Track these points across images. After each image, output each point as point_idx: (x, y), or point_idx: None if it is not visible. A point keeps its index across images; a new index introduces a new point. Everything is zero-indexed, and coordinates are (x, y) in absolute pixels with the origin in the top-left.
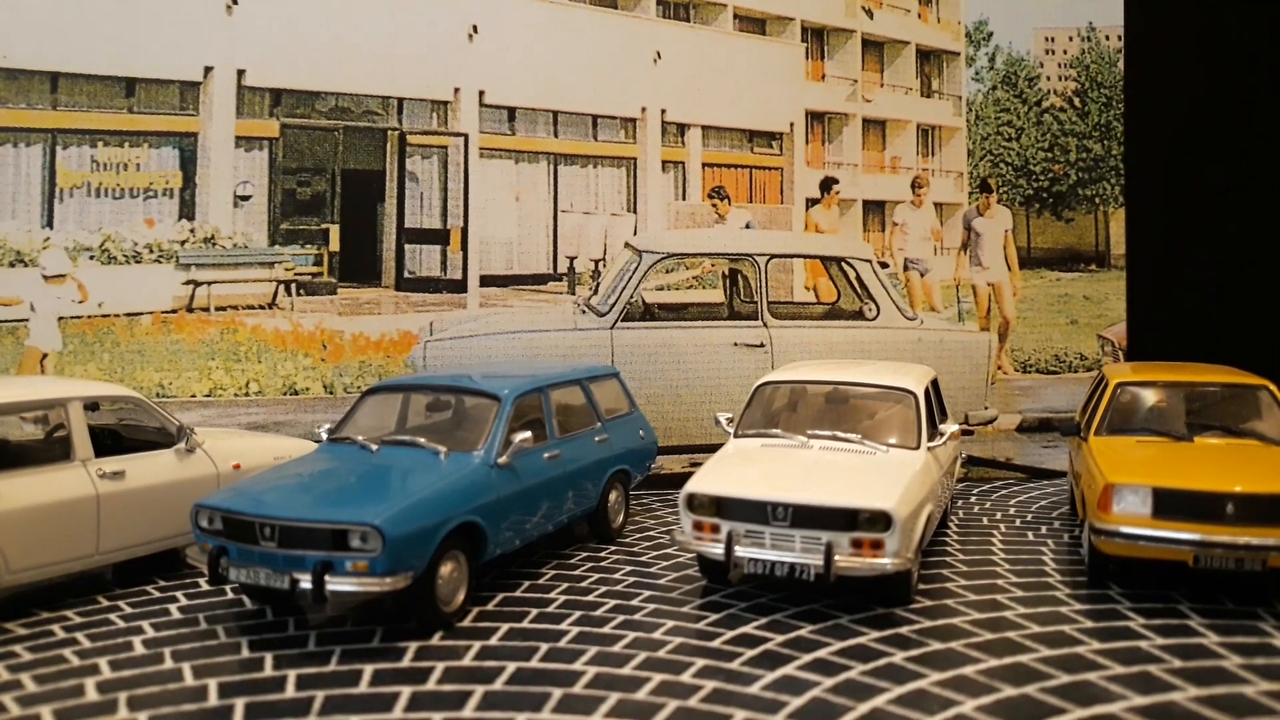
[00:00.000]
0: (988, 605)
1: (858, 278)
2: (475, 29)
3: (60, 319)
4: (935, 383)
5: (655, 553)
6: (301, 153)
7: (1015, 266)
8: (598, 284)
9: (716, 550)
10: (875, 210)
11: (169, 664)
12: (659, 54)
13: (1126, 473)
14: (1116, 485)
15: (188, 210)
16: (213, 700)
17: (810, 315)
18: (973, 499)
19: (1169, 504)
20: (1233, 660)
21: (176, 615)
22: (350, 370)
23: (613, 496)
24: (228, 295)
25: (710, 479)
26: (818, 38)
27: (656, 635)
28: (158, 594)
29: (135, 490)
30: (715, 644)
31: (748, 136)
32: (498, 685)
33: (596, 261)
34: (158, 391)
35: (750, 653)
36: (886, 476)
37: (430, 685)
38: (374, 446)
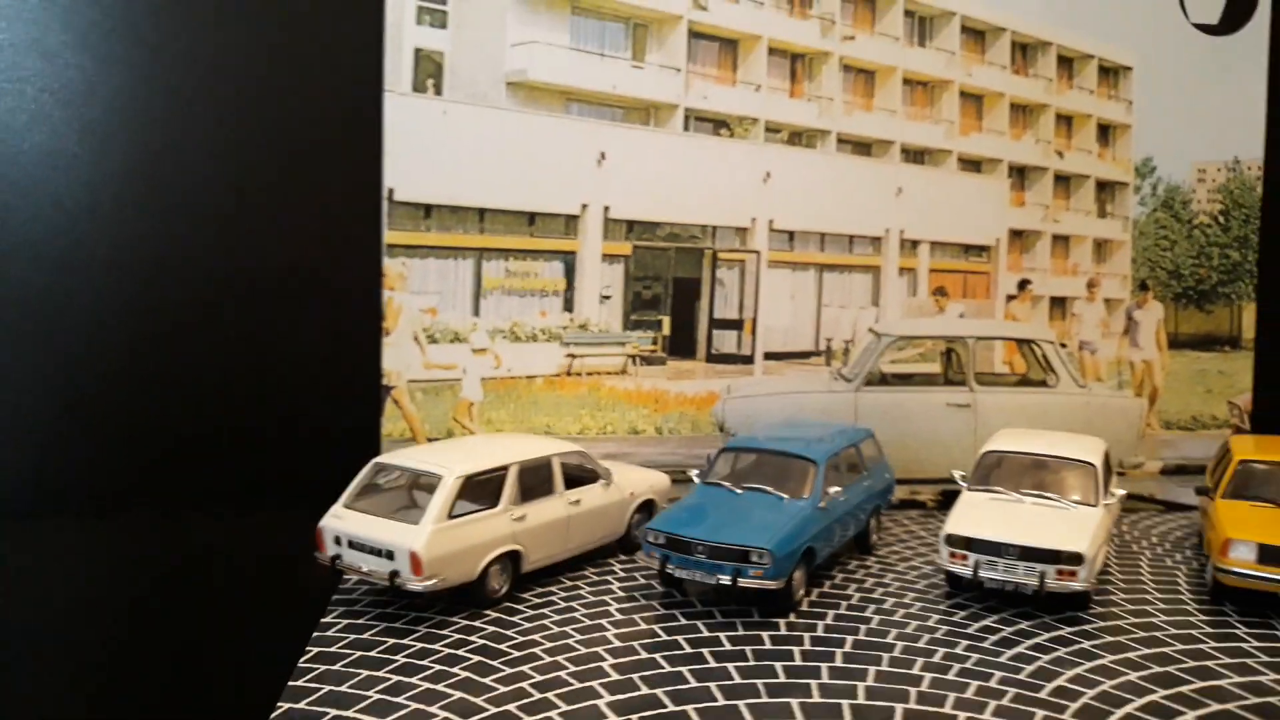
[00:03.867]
0: (1140, 613)
1: (1043, 355)
2: (769, 175)
3: (483, 379)
4: (1107, 454)
5: (904, 564)
6: (645, 265)
7: (1164, 348)
8: (848, 358)
9: (966, 571)
10: (1058, 305)
11: (642, 625)
12: (900, 189)
13: (1241, 531)
14: (1233, 540)
15: (568, 306)
16: (686, 649)
17: (1006, 383)
18: (1125, 526)
19: (1269, 554)
20: None
21: (620, 593)
22: (673, 418)
23: (872, 522)
24: (594, 365)
25: (963, 524)
26: (1020, 174)
27: (930, 622)
28: (595, 576)
29: (586, 511)
30: (970, 630)
31: (963, 249)
32: (848, 648)
33: (847, 342)
34: (546, 429)
35: (993, 637)
36: (1077, 526)
37: (807, 645)
38: (738, 490)
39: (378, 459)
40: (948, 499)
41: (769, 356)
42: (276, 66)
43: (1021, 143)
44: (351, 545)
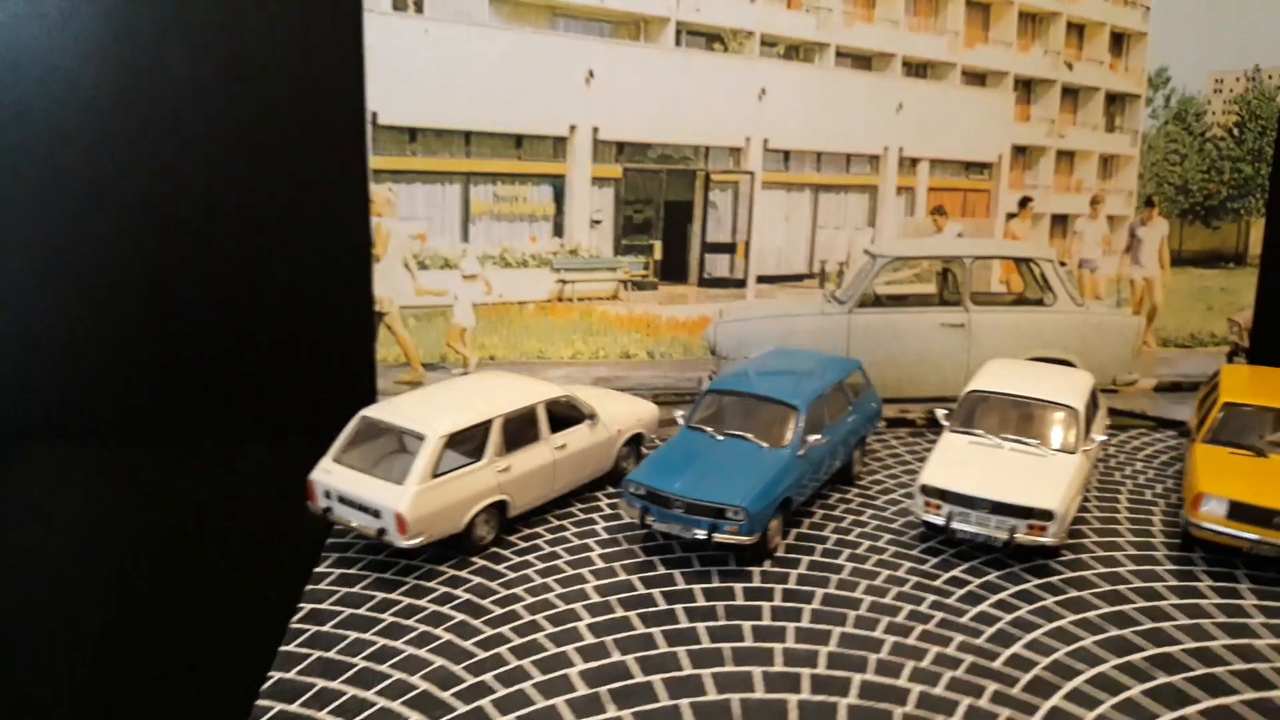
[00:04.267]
0: (1108, 561)
1: (1041, 274)
2: (764, 92)
3: (474, 305)
4: (1095, 390)
5: (885, 498)
6: (636, 189)
7: (1167, 266)
8: (842, 281)
9: (939, 521)
10: (1060, 222)
11: (621, 575)
12: (901, 104)
13: (1214, 485)
14: (1205, 494)
15: (558, 230)
16: (660, 605)
17: (1002, 302)
18: (1113, 447)
19: (1238, 511)
20: (1255, 614)
21: (604, 535)
22: (665, 342)
23: (856, 454)
24: (585, 290)
25: (938, 474)
26: (1026, 87)
27: (900, 572)
28: (581, 515)
29: (571, 454)
30: (939, 582)
31: (964, 166)
32: (817, 604)
33: (841, 264)
34: (539, 355)
35: (959, 591)
36: (1053, 479)
37: (778, 600)
38: (719, 437)
39: (364, 412)
40: (935, 417)
41: (762, 280)
42: None
43: (1029, 54)
44: (341, 500)
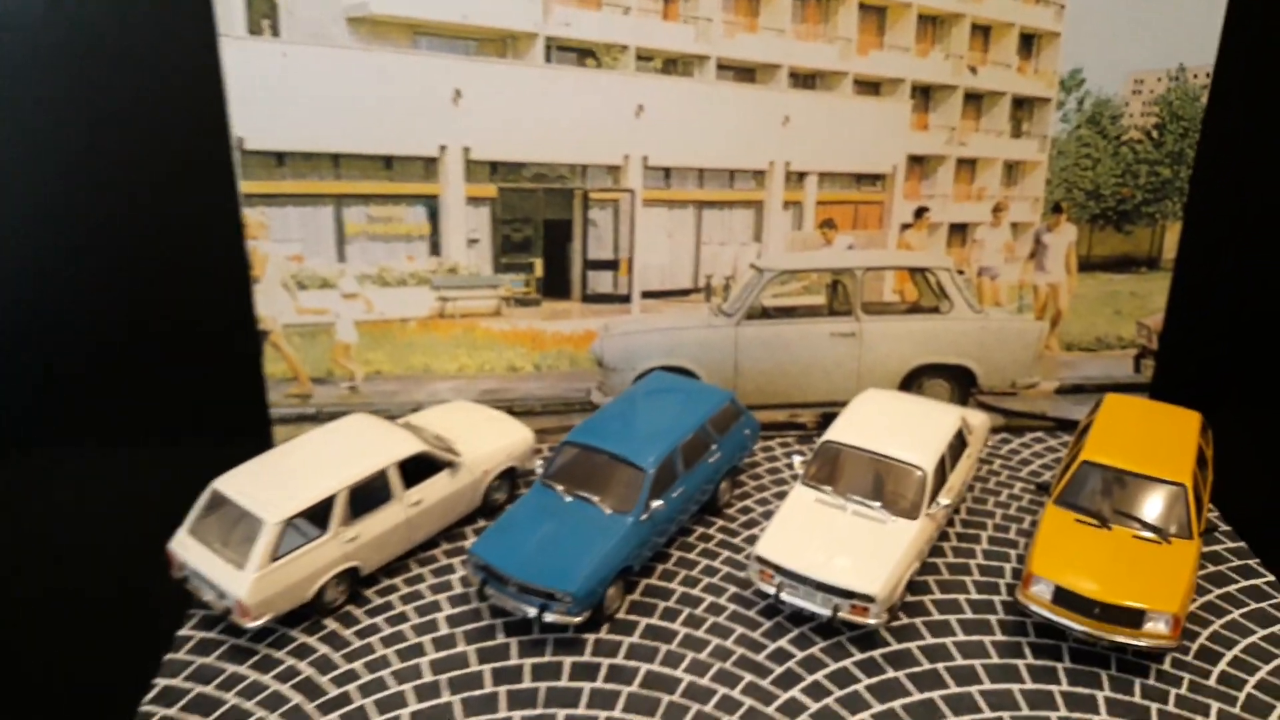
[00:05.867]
0: (939, 630)
1: (938, 282)
2: (641, 108)
3: (356, 323)
4: (960, 432)
5: (747, 532)
6: (513, 208)
7: (1074, 271)
8: (728, 294)
9: (770, 590)
10: (959, 230)
11: (461, 646)
12: (788, 117)
13: (1043, 566)
14: (1035, 575)
15: (435, 250)
16: (487, 687)
17: (895, 311)
18: (1000, 459)
19: (1062, 596)
20: (1060, 706)
21: (457, 589)
22: (551, 355)
23: (723, 486)
24: (467, 307)
25: (772, 547)
26: (924, 94)
27: (729, 642)
28: (443, 560)
29: (428, 508)
30: (762, 655)
31: (856, 178)
32: (636, 685)
33: (727, 278)
34: (425, 369)
35: (778, 669)
36: (883, 555)
37: (600, 681)
38: (568, 498)
39: (214, 484)
40: (827, 420)
41: (646, 295)
42: (105, 22)
43: (929, 59)
44: (195, 574)
